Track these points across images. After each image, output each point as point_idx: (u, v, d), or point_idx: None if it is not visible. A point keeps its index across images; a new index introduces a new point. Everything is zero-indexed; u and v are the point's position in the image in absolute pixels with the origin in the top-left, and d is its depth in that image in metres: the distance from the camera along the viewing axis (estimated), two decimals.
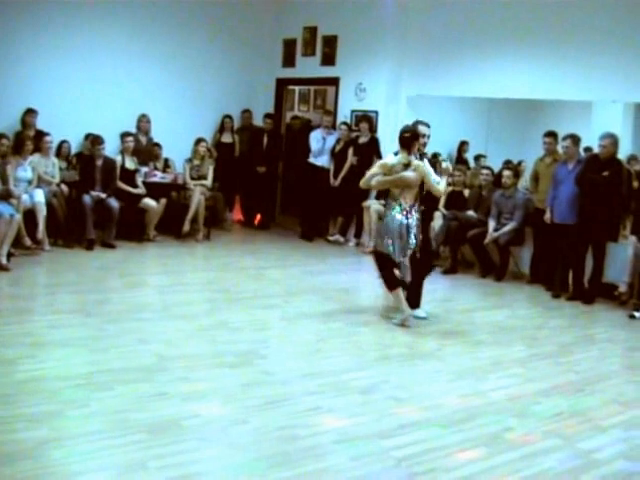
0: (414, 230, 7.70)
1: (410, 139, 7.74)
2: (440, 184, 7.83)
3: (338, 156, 12.86)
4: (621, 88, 10.26)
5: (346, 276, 10.58)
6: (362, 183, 8.02)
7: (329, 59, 13.51)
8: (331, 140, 13.03)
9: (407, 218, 7.66)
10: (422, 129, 8.06)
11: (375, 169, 7.90)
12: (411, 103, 12.79)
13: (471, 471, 4.50)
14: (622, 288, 9.59)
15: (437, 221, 11.26)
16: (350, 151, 12.73)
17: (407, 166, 7.64)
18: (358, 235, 12.94)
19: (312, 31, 13.77)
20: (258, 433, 4.79)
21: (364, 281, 10.67)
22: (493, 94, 11.84)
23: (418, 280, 8.19)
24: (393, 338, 7.38)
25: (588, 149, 10.76)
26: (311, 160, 13.09)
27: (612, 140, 9.63)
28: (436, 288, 9.93)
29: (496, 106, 13.89)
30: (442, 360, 6.77)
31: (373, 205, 12.14)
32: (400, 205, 7.70)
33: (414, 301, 8.16)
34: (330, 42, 13.47)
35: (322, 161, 13.01)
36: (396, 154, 7.84)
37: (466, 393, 5.95)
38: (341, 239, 12.99)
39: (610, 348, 7.95)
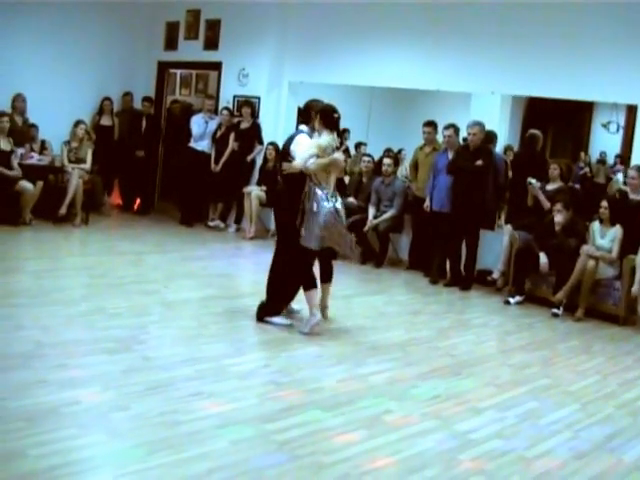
0: (343, 214, 7.10)
1: (338, 120, 7.10)
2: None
3: (219, 141, 12.82)
4: (499, 80, 10.56)
5: (226, 262, 10.55)
6: (299, 165, 6.89)
7: (212, 43, 13.42)
8: (212, 125, 12.96)
9: (335, 203, 6.98)
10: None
11: (312, 149, 6.92)
12: (293, 89, 12.85)
13: (352, 453, 4.56)
14: (496, 275, 9.89)
15: None
16: (232, 136, 12.71)
17: (338, 149, 7.08)
18: (238, 221, 12.93)
19: (195, 14, 13.64)
20: (139, 419, 4.74)
21: (244, 267, 10.70)
22: (374, 83, 12.00)
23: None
24: (272, 323, 7.39)
25: (466, 139, 11.03)
26: (192, 145, 12.99)
27: (480, 128, 9.88)
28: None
29: (377, 95, 14.08)
30: (322, 345, 6.81)
31: (254, 191, 12.16)
32: (325, 191, 6.99)
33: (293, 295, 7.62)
34: (213, 26, 13.39)
35: (203, 146, 12.94)
36: (310, 135, 7.11)
37: (346, 377, 6.01)
38: (221, 225, 12.95)
39: (486, 333, 8.19)
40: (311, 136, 7.11)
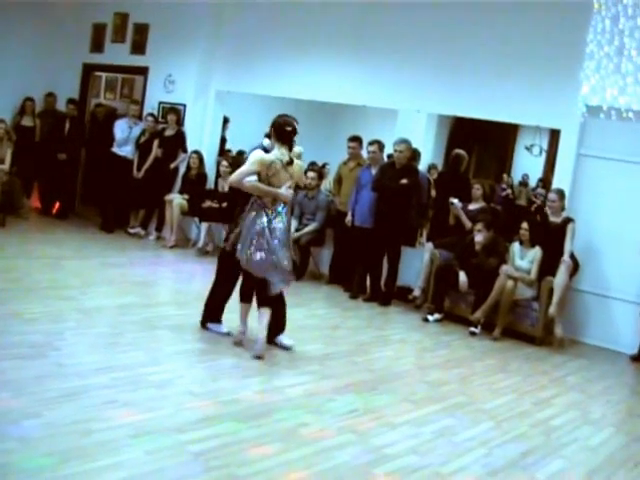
0: (281, 235, 6.71)
1: (292, 134, 6.76)
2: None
3: (143, 147, 12.69)
4: (425, 99, 10.68)
5: (145, 270, 10.42)
6: (233, 180, 6.75)
7: (139, 48, 13.29)
8: (136, 131, 12.82)
9: (271, 220, 6.66)
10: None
11: (250, 166, 6.68)
12: (220, 98, 12.82)
13: (266, 466, 4.52)
14: (416, 292, 9.95)
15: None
16: (155, 143, 12.60)
17: (289, 164, 6.71)
18: (159, 229, 12.79)
19: (123, 17, 13.49)
20: (51, 427, 4.62)
21: (163, 275, 10.59)
22: (301, 95, 12.00)
23: (282, 299, 7.26)
24: (190, 333, 7.32)
25: (391, 156, 11.11)
26: (115, 150, 12.81)
27: (407, 146, 9.97)
28: (236, 288, 9.96)
29: (303, 107, 14.03)
30: (239, 356, 6.76)
31: (176, 199, 12.07)
32: (265, 207, 6.69)
33: (279, 325, 7.25)
34: (141, 30, 13.26)
35: (126, 151, 12.78)
36: (264, 149, 6.89)
37: (263, 389, 6.00)
38: (142, 232, 12.80)
39: (404, 349, 8.24)
40: (268, 151, 6.85)
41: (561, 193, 9.36)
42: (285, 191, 6.70)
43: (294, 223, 10.86)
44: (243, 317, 7.12)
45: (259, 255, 6.67)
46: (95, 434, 4.59)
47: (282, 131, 6.74)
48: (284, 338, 7.26)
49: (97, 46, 13.85)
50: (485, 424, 5.95)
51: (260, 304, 6.92)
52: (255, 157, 6.74)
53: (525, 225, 9.37)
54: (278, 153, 6.71)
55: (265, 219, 6.67)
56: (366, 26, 11.13)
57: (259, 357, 6.69)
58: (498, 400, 6.67)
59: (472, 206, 10.06)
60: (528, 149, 16.10)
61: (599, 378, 8.12)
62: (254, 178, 6.68)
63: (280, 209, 6.75)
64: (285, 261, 6.74)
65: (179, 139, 12.65)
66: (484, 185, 10.42)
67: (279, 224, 6.73)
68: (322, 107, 12.89)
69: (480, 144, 15.44)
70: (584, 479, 5.18)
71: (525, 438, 5.79)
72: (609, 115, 8.93)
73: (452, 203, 9.96)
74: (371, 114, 12.19)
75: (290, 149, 6.78)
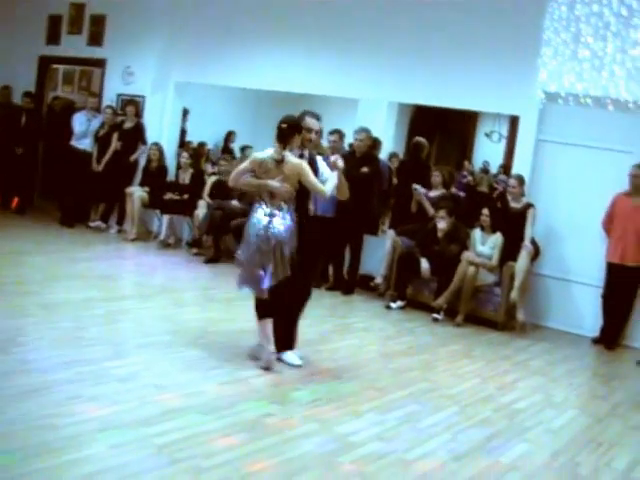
0: (280, 238, 6.33)
1: (288, 131, 6.43)
2: (328, 182, 6.54)
3: (102, 140, 12.60)
4: (386, 88, 10.70)
5: (107, 263, 10.34)
6: (231, 180, 6.62)
7: (96, 39, 13.18)
8: (95, 123, 12.71)
9: (270, 223, 6.33)
10: (310, 122, 6.73)
11: (245, 164, 6.57)
12: (179, 90, 12.75)
13: (231, 456, 4.53)
14: (379, 280, 9.99)
15: (201, 210, 11.31)
16: (115, 136, 12.51)
17: (280, 163, 6.37)
18: (120, 222, 12.72)
19: (79, 8, 13.35)
20: (15, 423, 4.57)
21: (125, 269, 10.53)
22: (262, 86, 11.99)
23: (292, 311, 6.78)
24: (153, 326, 7.30)
25: (352, 145, 11.12)
26: (73, 143, 12.69)
27: (367, 134, 10.02)
28: (198, 277, 9.97)
29: (264, 98, 14.07)
30: (203, 348, 6.75)
31: (136, 192, 12.01)
32: (264, 207, 6.42)
33: (285, 340, 6.70)
34: (98, 21, 13.14)
35: (85, 145, 12.67)
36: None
37: (227, 380, 5.98)
38: (103, 225, 12.72)
39: (367, 337, 8.27)
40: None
41: (521, 179, 9.44)
42: (277, 183, 6.36)
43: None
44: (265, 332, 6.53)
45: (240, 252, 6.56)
46: (60, 429, 4.56)
47: (278, 129, 6.49)
48: (288, 356, 6.72)
49: (53, 38, 13.70)
50: (449, 409, 6.00)
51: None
52: (251, 156, 6.69)
53: (486, 211, 9.44)
54: (272, 151, 6.47)
55: (262, 221, 6.36)
56: (327, 16, 11.12)
57: (266, 368, 6.38)
58: (462, 385, 6.73)
59: (432, 193, 10.12)
60: (488, 136, 16.21)
61: (561, 361, 8.21)
62: (248, 177, 6.51)
63: (280, 211, 6.39)
64: (260, 270, 6.36)
65: (138, 131, 12.57)
66: (443, 172, 10.46)
67: (278, 227, 6.34)
68: (283, 97, 12.85)
69: (441, 132, 15.54)
70: (548, 461, 5.23)
71: (489, 422, 5.84)
72: (567, 101, 9.02)
73: (415, 189, 10.00)
74: (332, 103, 12.18)
75: (285, 147, 6.41)
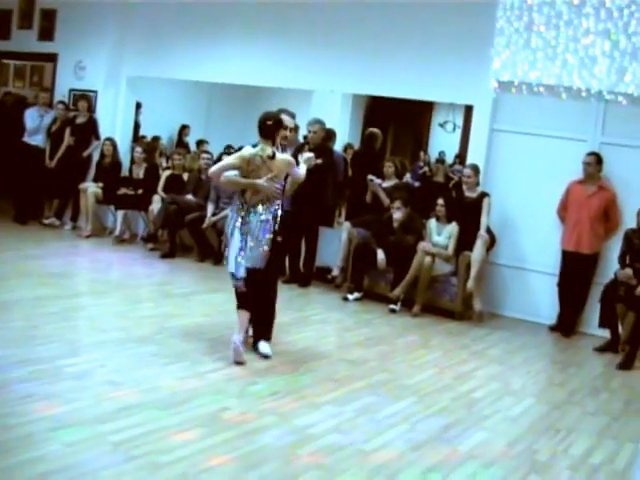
0: (256, 234, 6.40)
1: (274, 128, 6.48)
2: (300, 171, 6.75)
3: (54, 136, 12.44)
4: (339, 79, 10.71)
5: (62, 260, 10.22)
6: (211, 172, 6.55)
7: (47, 34, 12.98)
8: (47, 119, 12.55)
9: (247, 218, 6.41)
10: (286, 119, 6.93)
11: (230, 160, 6.53)
12: (131, 84, 12.65)
13: (189, 452, 4.50)
14: (335, 272, 9.98)
15: (156, 205, 11.23)
16: (67, 131, 12.36)
17: (271, 159, 6.36)
18: (75, 218, 12.59)
19: (29, 2, 13.14)
20: None
21: (80, 265, 10.43)
22: (215, 79, 11.93)
23: (264, 302, 6.85)
24: (108, 323, 7.23)
25: (306, 137, 11.11)
26: (26, 139, 12.52)
27: (321, 126, 10.00)
28: (154, 272, 9.90)
29: (217, 91, 14.02)
30: (159, 343, 6.70)
31: (90, 188, 11.89)
32: (243, 203, 6.47)
33: (259, 330, 6.91)
34: (49, 16, 12.95)
35: (37, 140, 12.50)
36: (254, 146, 6.53)
37: (183, 375, 5.94)
38: (57, 222, 12.56)
39: (325, 329, 8.27)
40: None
41: (476, 168, 9.47)
42: (265, 182, 6.36)
43: (210, 207, 10.77)
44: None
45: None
46: (14, 429, 4.50)
47: (263, 126, 6.47)
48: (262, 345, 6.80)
49: (3, 33, 13.49)
50: (407, 400, 6.01)
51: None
52: (238, 152, 6.65)
53: (441, 201, 9.46)
54: (258, 148, 6.44)
55: (238, 217, 6.45)
56: (281, 8, 11.06)
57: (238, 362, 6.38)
58: (420, 375, 6.74)
59: (386, 183, 10.13)
60: (442, 126, 16.28)
61: (519, 350, 8.27)
62: (234, 173, 6.46)
63: (262, 207, 6.43)
64: (231, 263, 6.52)
65: (91, 126, 12.44)
66: (395, 162, 10.49)
67: (255, 223, 6.42)
68: (237, 90, 12.82)
69: (396, 122, 15.56)
70: (506, 449, 5.26)
71: (447, 412, 5.87)
72: (520, 90, 9.07)
73: (371, 180, 10.01)
74: (287, 95, 12.14)
75: (273, 143, 6.48)
